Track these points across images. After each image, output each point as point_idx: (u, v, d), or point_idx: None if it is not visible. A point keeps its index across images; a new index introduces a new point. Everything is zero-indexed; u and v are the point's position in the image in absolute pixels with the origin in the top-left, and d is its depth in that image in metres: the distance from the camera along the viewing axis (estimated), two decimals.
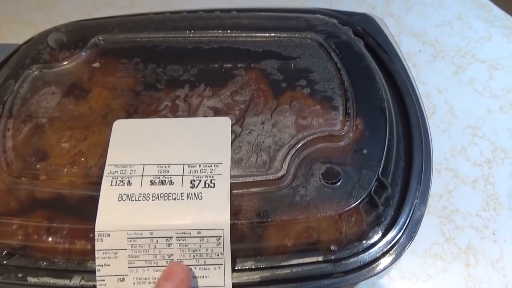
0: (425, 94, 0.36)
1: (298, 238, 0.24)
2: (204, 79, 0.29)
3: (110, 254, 0.23)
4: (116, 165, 0.24)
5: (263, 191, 0.24)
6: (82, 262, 0.24)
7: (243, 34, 0.31)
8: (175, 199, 0.23)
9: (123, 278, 0.23)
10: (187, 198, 0.23)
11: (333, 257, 0.24)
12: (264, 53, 0.30)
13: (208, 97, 0.28)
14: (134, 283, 0.23)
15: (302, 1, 0.44)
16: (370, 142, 0.26)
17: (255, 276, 0.24)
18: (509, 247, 0.29)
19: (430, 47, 0.40)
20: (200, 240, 0.23)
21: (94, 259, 0.23)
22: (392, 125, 0.28)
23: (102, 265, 0.23)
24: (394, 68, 0.32)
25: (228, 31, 0.31)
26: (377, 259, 0.25)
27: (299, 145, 0.26)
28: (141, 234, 0.23)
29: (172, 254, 0.23)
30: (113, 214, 0.23)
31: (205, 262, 0.23)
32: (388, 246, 0.25)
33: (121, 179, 0.24)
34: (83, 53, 0.30)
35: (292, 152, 0.25)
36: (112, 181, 0.24)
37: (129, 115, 0.27)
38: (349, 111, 0.27)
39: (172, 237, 0.23)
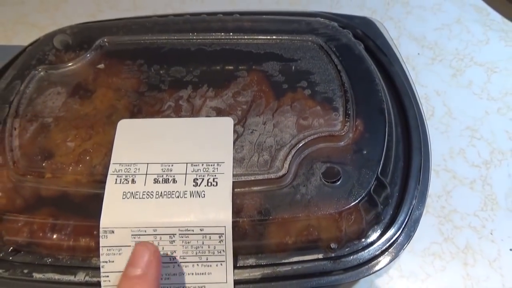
0: (424, 96, 0.37)
1: (299, 236, 0.25)
2: (207, 80, 0.29)
3: (115, 250, 0.23)
4: (120, 163, 0.25)
5: (264, 190, 0.25)
6: (87, 259, 0.25)
7: (245, 37, 0.31)
8: (178, 197, 0.24)
9: None
10: (190, 196, 0.24)
11: (333, 255, 0.25)
12: (266, 55, 0.30)
13: (210, 98, 0.28)
14: None
15: (303, 5, 0.44)
16: (369, 143, 0.27)
17: (257, 273, 0.24)
18: (506, 246, 0.30)
19: (429, 50, 0.40)
20: (203, 238, 0.23)
21: (98, 256, 0.24)
22: (391, 126, 0.28)
23: (107, 262, 0.23)
24: (393, 71, 0.32)
25: (231, 34, 0.31)
26: (376, 257, 0.25)
27: (300, 145, 0.26)
28: (145, 231, 0.23)
29: (175, 251, 0.23)
30: (117, 212, 0.24)
31: (207, 259, 0.24)
32: (387, 244, 0.25)
33: (126, 178, 0.24)
34: (88, 55, 0.31)
35: (293, 151, 0.26)
36: (116, 179, 0.24)
37: (133, 115, 0.28)
38: (349, 112, 0.27)
39: (175, 234, 0.23)
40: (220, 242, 0.23)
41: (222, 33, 0.32)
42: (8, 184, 0.25)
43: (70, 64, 0.30)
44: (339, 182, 0.25)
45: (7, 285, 0.24)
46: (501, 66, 0.39)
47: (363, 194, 0.25)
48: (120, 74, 0.30)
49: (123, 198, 0.24)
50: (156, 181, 0.24)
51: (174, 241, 0.23)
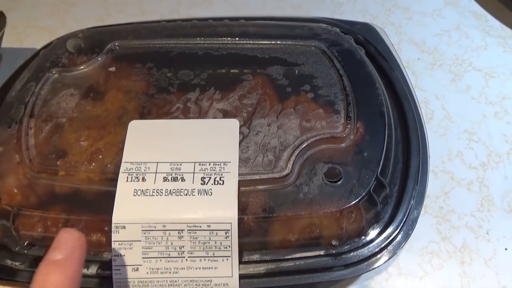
0: (423, 100, 0.38)
1: (302, 233, 0.26)
2: (213, 83, 0.30)
3: (126, 245, 0.24)
4: (131, 162, 0.26)
5: (269, 189, 0.26)
6: (98, 253, 0.26)
7: (251, 42, 0.33)
8: (186, 194, 0.25)
9: (137, 268, 0.24)
10: (198, 194, 0.25)
11: (334, 252, 0.26)
12: (271, 60, 0.31)
13: (217, 100, 0.29)
14: (147, 273, 0.24)
15: (306, 11, 0.45)
16: (370, 144, 0.28)
17: (261, 268, 0.25)
18: (502, 246, 0.31)
19: (428, 55, 0.41)
20: (210, 233, 0.24)
21: (109, 251, 0.25)
22: (391, 128, 0.29)
23: (118, 255, 0.24)
24: (393, 75, 0.33)
25: (237, 39, 0.33)
26: (375, 254, 0.26)
27: (303, 146, 0.27)
28: (155, 226, 0.24)
29: (183, 246, 0.24)
30: (128, 208, 0.25)
31: (214, 254, 0.25)
32: (386, 242, 0.26)
33: (136, 176, 0.26)
34: (100, 58, 0.32)
35: (296, 152, 0.27)
36: (128, 177, 0.26)
37: (143, 116, 0.29)
38: (350, 115, 0.28)
39: (184, 230, 0.24)
40: (226, 238, 0.24)
41: (229, 38, 0.33)
42: (24, 181, 0.27)
43: (82, 67, 0.32)
44: (340, 182, 0.26)
45: (24, 277, 0.25)
46: (499, 72, 0.40)
47: (363, 194, 0.26)
48: (130, 77, 0.31)
49: (134, 195, 0.25)
50: (165, 179, 0.26)
51: (182, 236, 0.24)
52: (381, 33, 0.37)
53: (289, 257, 0.26)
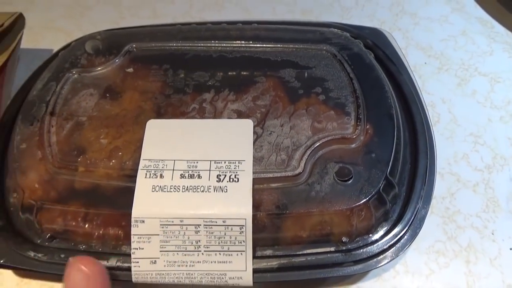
0: (430, 104, 0.39)
1: (313, 230, 0.27)
2: (228, 85, 0.31)
3: (144, 238, 0.25)
4: (150, 160, 0.27)
5: (282, 187, 0.27)
6: (117, 247, 0.27)
7: (264, 45, 0.33)
8: (203, 191, 0.26)
9: (155, 261, 0.25)
10: (214, 190, 0.26)
11: (344, 248, 0.27)
12: (283, 63, 0.32)
13: (232, 101, 0.30)
14: (164, 266, 0.25)
15: (315, 15, 0.46)
16: (379, 145, 0.29)
17: (274, 263, 0.26)
18: (507, 246, 0.31)
19: (435, 60, 0.42)
20: (225, 229, 0.25)
21: (127, 244, 0.26)
22: (400, 130, 0.30)
23: (137, 249, 0.25)
24: (401, 79, 0.34)
25: (250, 42, 0.34)
26: (384, 251, 0.27)
27: (315, 146, 0.28)
28: (172, 221, 0.25)
29: (199, 240, 0.25)
30: (147, 203, 0.26)
31: (229, 249, 0.25)
32: (395, 240, 0.27)
33: (154, 173, 0.27)
34: (117, 60, 0.33)
35: (308, 152, 0.28)
36: (146, 174, 0.27)
37: (159, 116, 0.30)
38: (360, 117, 0.29)
39: (200, 225, 0.25)
40: (241, 233, 0.25)
41: (242, 41, 0.34)
42: (46, 176, 0.28)
43: (100, 68, 0.33)
44: (350, 181, 0.27)
45: (45, 268, 0.26)
46: (504, 77, 0.41)
47: (373, 193, 0.27)
48: (147, 78, 0.32)
49: (152, 191, 0.26)
50: (182, 176, 0.26)
51: (199, 231, 0.25)
52: (389, 38, 0.37)
53: (301, 252, 0.27)
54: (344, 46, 0.34)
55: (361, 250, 0.27)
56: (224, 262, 0.26)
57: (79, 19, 0.47)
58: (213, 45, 0.34)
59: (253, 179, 0.26)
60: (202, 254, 0.25)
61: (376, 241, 0.27)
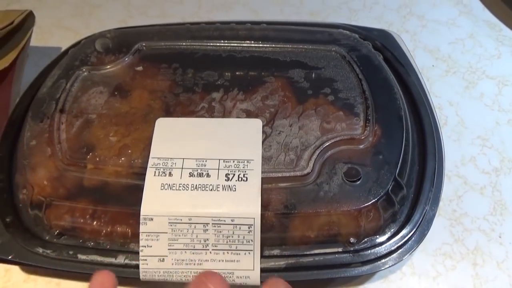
0: (437, 106, 0.38)
1: (321, 230, 0.27)
2: (237, 84, 0.31)
3: (153, 236, 0.25)
4: (159, 158, 0.27)
5: (290, 186, 0.27)
6: (125, 244, 0.27)
7: (273, 45, 0.34)
8: (211, 190, 0.26)
9: (163, 259, 0.25)
10: (222, 189, 0.26)
11: (352, 249, 0.27)
12: (292, 63, 0.33)
13: (241, 101, 0.30)
14: (172, 264, 0.25)
15: (323, 17, 0.46)
16: (388, 146, 0.29)
17: (281, 263, 0.26)
18: None
19: (443, 62, 0.42)
20: (233, 228, 0.25)
21: (135, 242, 0.26)
22: (408, 132, 0.30)
23: (145, 246, 0.25)
24: (410, 81, 0.34)
25: (260, 42, 0.34)
26: (391, 253, 0.27)
27: (324, 146, 0.28)
28: (181, 219, 0.25)
29: (207, 239, 0.25)
30: (156, 201, 0.26)
31: (236, 248, 0.26)
32: (402, 241, 0.27)
33: (163, 171, 0.27)
34: (127, 58, 0.33)
35: (317, 152, 0.28)
36: (155, 172, 0.27)
37: (168, 114, 0.30)
38: (369, 118, 0.29)
39: (209, 223, 0.25)
40: (249, 232, 0.25)
41: (251, 41, 0.34)
42: (55, 173, 0.28)
43: (110, 66, 0.33)
44: (359, 182, 0.27)
45: (54, 264, 0.26)
46: None
47: (382, 194, 0.27)
48: (156, 77, 0.32)
49: (161, 189, 0.26)
50: (191, 174, 0.27)
51: (207, 229, 0.25)
52: (398, 39, 0.38)
53: (308, 253, 0.27)
54: (353, 47, 0.34)
55: (369, 251, 0.27)
56: (232, 261, 0.26)
57: (87, 17, 0.47)
58: (222, 44, 0.34)
59: (262, 178, 0.27)
60: (210, 252, 0.25)
61: (384, 242, 0.27)
